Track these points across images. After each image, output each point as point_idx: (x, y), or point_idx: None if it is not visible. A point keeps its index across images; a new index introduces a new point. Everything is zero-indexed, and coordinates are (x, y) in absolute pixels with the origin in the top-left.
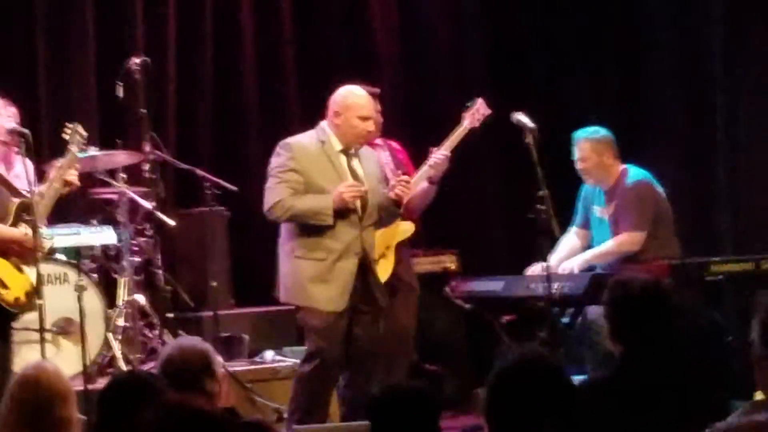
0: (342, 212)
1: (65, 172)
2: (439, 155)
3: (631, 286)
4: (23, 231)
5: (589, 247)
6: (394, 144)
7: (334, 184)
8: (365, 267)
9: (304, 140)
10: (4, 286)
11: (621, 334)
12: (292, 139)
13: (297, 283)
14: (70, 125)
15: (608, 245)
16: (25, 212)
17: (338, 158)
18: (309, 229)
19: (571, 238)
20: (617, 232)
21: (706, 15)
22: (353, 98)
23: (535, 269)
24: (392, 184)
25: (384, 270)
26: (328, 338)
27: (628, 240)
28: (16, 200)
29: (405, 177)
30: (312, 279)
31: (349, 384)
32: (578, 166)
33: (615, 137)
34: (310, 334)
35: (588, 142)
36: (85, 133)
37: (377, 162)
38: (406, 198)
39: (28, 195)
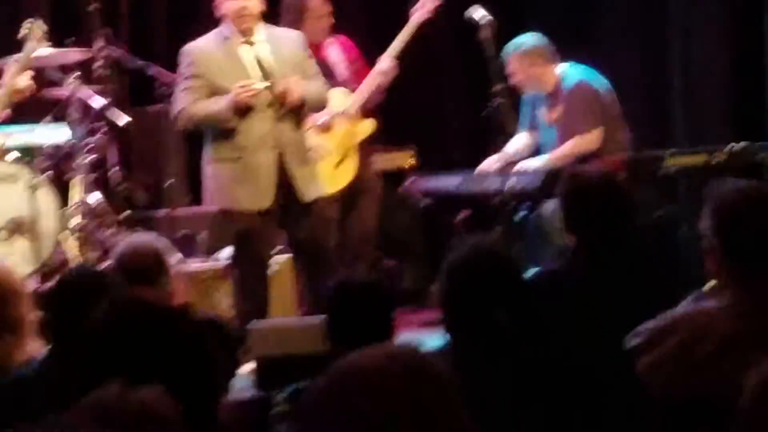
0: (250, 108)
1: (18, 76)
2: (387, 64)
3: (585, 179)
4: None
5: (537, 149)
6: (345, 40)
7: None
8: (284, 160)
9: (203, 42)
10: None
11: (574, 226)
12: (190, 45)
13: (218, 186)
14: (29, 21)
15: (566, 148)
16: None
17: (240, 51)
18: (221, 129)
19: (519, 139)
20: (569, 136)
21: None
22: None
23: (491, 162)
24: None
25: (347, 171)
26: (255, 237)
27: (585, 141)
28: None
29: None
30: (231, 180)
31: (304, 282)
32: (511, 80)
33: (563, 34)
34: (234, 234)
35: (514, 57)
36: (45, 28)
37: (295, 41)
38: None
39: None
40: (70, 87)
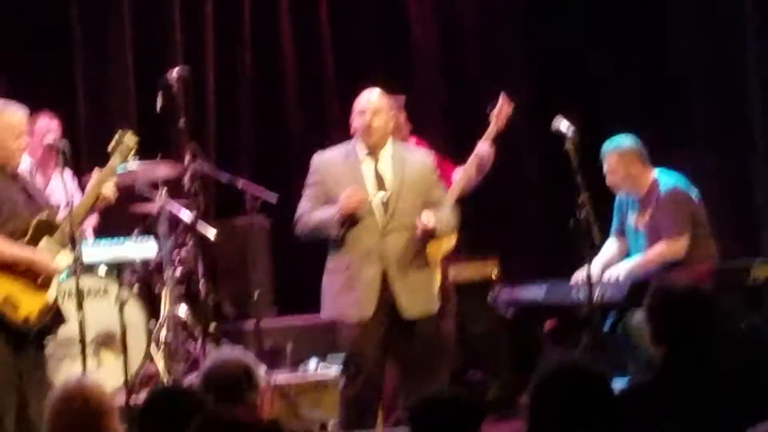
0: (359, 219)
1: (101, 184)
2: (485, 148)
3: (673, 291)
4: (31, 252)
5: (626, 255)
6: (419, 141)
7: None
8: (388, 275)
9: (331, 152)
10: (14, 306)
11: (662, 338)
12: (319, 153)
13: (328, 296)
14: (120, 132)
15: (653, 253)
16: (47, 229)
17: (360, 165)
18: (335, 240)
19: (610, 246)
20: (656, 241)
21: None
22: (357, 99)
23: (580, 275)
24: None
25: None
26: (358, 348)
27: (672, 247)
28: (39, 216)
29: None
30: (338, 290)
31: (401, 393)
32: (608, 179)
33: (646, 141)
34: (343, 345)
35: (614, 155)
36: (135, 139)
37: (423, 163)
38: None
39: (58, 210)
40: (159, 201)
